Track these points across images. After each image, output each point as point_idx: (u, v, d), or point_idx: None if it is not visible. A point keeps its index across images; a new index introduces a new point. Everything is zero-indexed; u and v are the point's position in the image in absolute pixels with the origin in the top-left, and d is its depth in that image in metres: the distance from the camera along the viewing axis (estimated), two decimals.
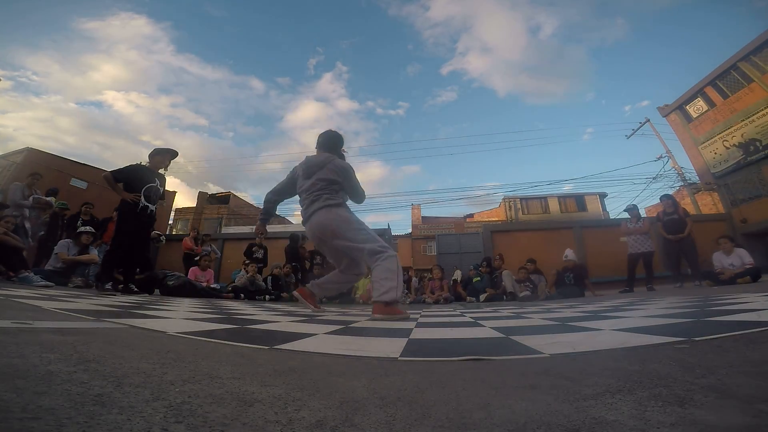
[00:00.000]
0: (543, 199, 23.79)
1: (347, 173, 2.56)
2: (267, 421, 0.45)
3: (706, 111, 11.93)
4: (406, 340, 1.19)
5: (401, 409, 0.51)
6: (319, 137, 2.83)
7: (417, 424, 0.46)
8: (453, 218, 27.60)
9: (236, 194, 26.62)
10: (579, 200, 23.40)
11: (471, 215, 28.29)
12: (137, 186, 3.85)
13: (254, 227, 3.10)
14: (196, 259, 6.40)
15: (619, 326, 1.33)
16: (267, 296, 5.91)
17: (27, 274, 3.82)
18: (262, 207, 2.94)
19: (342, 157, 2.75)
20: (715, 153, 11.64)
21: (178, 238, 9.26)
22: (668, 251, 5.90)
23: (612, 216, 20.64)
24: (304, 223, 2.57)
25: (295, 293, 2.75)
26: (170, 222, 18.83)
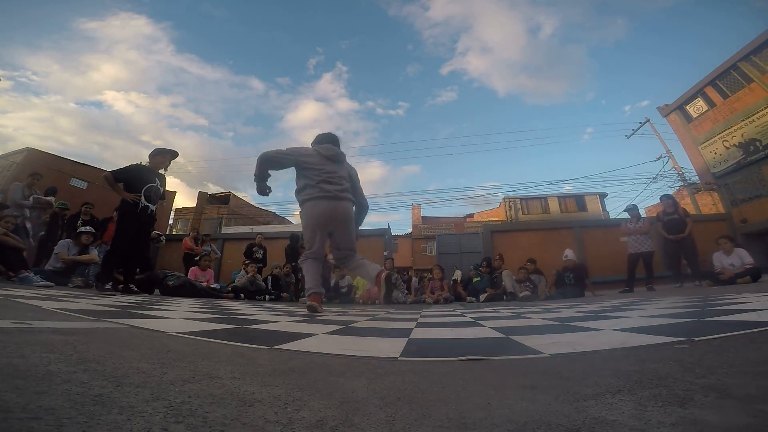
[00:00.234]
0: (543, 199, 23.78)
1: (357, 176, 2.90)
2: (267, 421, 0.45)
3: (706, 111, 11.94)
4: (406, 340, 1.19)
5: (401, 409, 0.51)
6: (319, 136, 2.85)
7: (417, 424, 0.46)
8: (453, 218, 27.62)
9: (236, 194, 26.61)
10: (579, 200, 23.40)
11: (471, 215, 28.30)
12: (137, 186, 3.86)
13: (256, 191, 3.19)
14: (196, 259, 6.40)
15: (619, 326, 1.33)
16: (267, 296, 5.92)
17: (27, 274, 3.82)
18: (256, 167, 2.69)
19: None
20: (715, 153, 11.65)
21: (178, 238, 9.26)
22: (668, 251, 5.91)
23: (612, 216, 20.66)
24: (331, 198, 2.66)
25: (314, 304, 2.50)
26: (170, 222, 18.81)
